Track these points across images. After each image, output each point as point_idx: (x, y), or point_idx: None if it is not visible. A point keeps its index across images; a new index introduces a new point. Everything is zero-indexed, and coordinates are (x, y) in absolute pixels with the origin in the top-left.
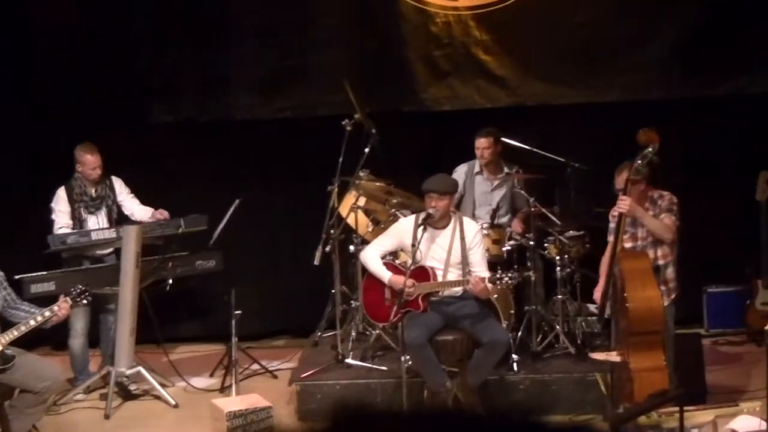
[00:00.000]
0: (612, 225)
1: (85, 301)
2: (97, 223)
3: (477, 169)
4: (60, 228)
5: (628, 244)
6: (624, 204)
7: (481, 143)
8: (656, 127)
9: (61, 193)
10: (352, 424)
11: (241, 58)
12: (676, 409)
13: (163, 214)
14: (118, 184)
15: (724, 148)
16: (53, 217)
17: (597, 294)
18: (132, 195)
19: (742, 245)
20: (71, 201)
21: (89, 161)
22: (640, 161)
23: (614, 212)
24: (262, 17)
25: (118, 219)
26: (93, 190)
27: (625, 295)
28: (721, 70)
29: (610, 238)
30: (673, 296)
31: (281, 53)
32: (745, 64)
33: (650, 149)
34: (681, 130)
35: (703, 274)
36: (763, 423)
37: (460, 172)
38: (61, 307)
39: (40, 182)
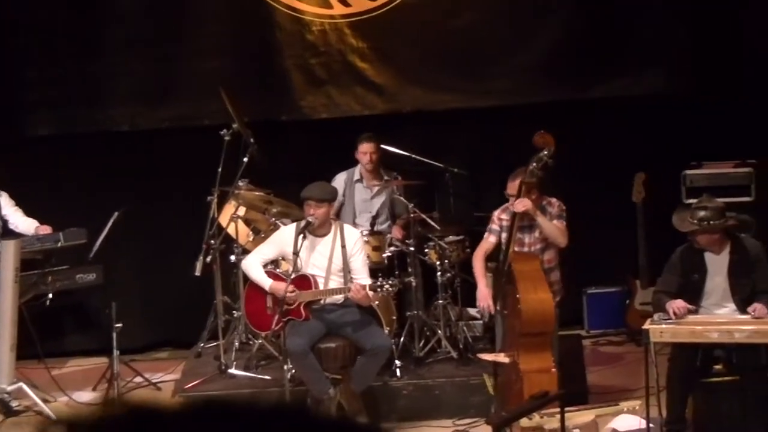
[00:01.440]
0: (494, 226)
1: None
2: None
3: (357, 176)
4: None
5: (515, 248)
6: (525, 203)
7: (368, 147)
8: (543, 131)
9: None
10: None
11: (120, 70)
12: (558, 409)
13: (45, 230)
14: (4, 198)
15: (600, 151)
16: None
17: (481, 295)
18: (16, 208)
19: (620, 246)
20: None
21: None
22: (535, 164)
23: (516, 208)
24: (139, 28)
25: (4, 233)
26: None
27: (517, 296)
28: (600, 72)
29: (490, 238)
30: (558, 298)
31: (159, 64)
32: (624, 67)
33: (545, 152)
34: (558, 134)
35: (582, 275)
36: (643, 422)
37: (339, 181)
38: None
39: None
